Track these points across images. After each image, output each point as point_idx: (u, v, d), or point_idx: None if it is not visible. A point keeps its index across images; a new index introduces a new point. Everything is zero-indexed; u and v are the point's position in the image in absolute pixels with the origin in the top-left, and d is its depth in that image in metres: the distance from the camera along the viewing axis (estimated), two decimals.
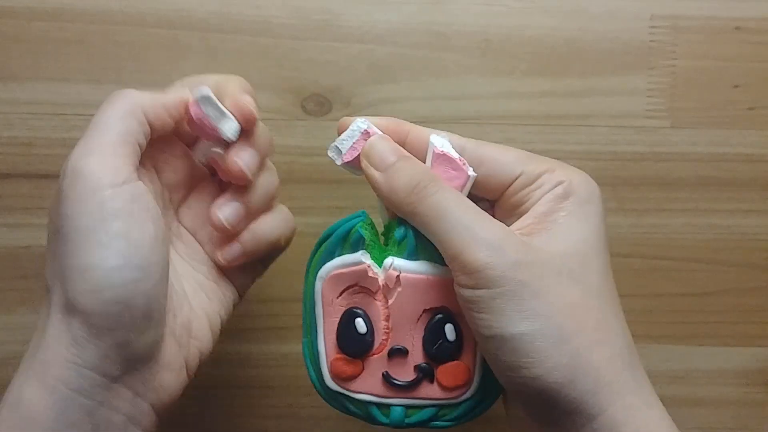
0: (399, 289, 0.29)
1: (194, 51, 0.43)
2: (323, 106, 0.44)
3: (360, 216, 0.30)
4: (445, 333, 0.29)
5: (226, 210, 0.31)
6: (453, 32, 0.43)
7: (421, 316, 0.29)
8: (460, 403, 0.30)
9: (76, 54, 0.43)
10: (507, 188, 0.30)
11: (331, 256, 0.30)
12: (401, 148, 0.30)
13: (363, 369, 0.30)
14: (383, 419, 0.30)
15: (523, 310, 0.26)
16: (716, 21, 0.44)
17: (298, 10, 0.43)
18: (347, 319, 0.30)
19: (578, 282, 0.27)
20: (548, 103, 0.44)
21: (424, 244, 0.29)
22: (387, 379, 0.29)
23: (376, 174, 0.29)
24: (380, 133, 0.30)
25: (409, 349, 0.29)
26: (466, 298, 0.26)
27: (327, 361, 0.30)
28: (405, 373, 0.30)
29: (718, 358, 0.46)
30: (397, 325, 0.30)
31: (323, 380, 0.31)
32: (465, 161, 0.29)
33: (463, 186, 0.29)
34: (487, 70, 0.44)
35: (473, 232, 0.26)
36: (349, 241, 0.30)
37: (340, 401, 0.31)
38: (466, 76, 0.44)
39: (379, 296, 0.30)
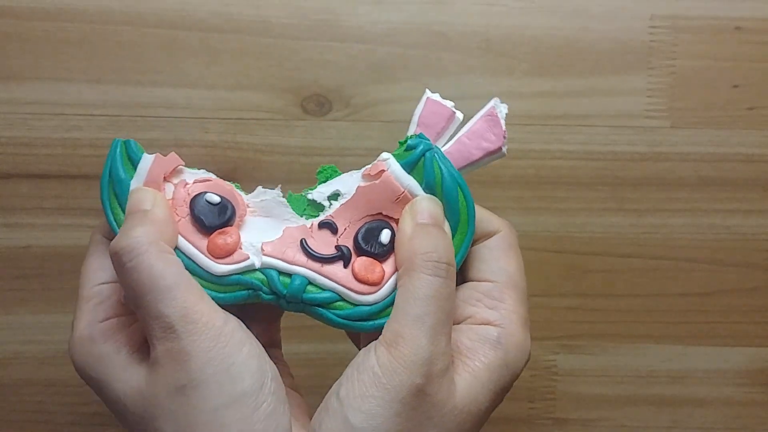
0: (375, 181, 0.29)
1: (194, 51, 0.43)
2: (323, 106, 0.44)
3: (115, 141, 0.30)
4: (380, 234, 0.29)
5: None
6: (453, 32, 0.43)
7: (372, 215, 0.30)
8: (357, 305, 0.29)
9: (76, 54, 0.43)
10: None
11: (126, 183, 0.29)
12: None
13: (239, 237, 0.29)
14: (281, 288, 0.28)
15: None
16: (716, 21, 0.44)
17: (298, 10, 0.43)
18: (195, 202, 0.29)
19: None
20: (548, 103, 0.44)
21: (425, 170, 0.29)
22: (303, 245, 0.29)
23: (407, 224, 0.29)
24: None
25: (340, 230, 0.29)
26: (365, 372, 0.26)
27: (204, 253, 0.29)
28: (324, 248, 0.29)
29: (718, 358, 0.46)
30: (346, 209, 0.30)
31: (212, 275, 0.29)
32: (506, 137, 0.30)
33: (490, 154, 0.30)
34: (487, 70, 0.44)
35: (423, 338, 0.26)
36: (127, 160, 0.29)
37: (233, 282, 0.29)
38: (466, 76, 0.44)
39: (212, 178, 0.30)
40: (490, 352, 0.28)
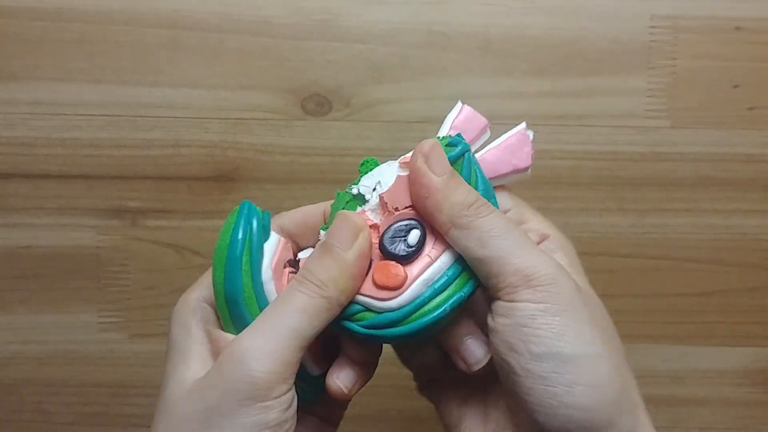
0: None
1: (194, 51, 0.43)
2: (323, 106, 0.44)
3: (243, 204, 0.29)
4: (408, 235, 0.28)
5: (343, 377, 0.29)
6: (453, 32, 0.43)
7: (409, 206, 0.28)
8: (381, 312, 0.27)
9: (76, 54, 0.43)
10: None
11: (259, 254, 0.28)
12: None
13: None
14: None
15: (583, 334, 0.26)
16: (716, 21, 0.44)
17: (298, 10, 0.43)
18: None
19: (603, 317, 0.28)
20: (548, 103, 0.44)
21: (464, 168, 0.29)
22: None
23: (434, 178, 0.28)
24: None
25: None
26: (523, 313, 0.26)
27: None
28: None
29: (718, 358, 0.46)
30: (385, 198, 0.28)
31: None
32: (533, 158, 0.30)
33: (517, 171, 0.30)
34: (487, 70, 0.44)
35: (537, 250, 0.27)
36: (264, 228, 0.29)
37: None
38: (466, 76, 0.44)
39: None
40: (557, 254, 0.29)
